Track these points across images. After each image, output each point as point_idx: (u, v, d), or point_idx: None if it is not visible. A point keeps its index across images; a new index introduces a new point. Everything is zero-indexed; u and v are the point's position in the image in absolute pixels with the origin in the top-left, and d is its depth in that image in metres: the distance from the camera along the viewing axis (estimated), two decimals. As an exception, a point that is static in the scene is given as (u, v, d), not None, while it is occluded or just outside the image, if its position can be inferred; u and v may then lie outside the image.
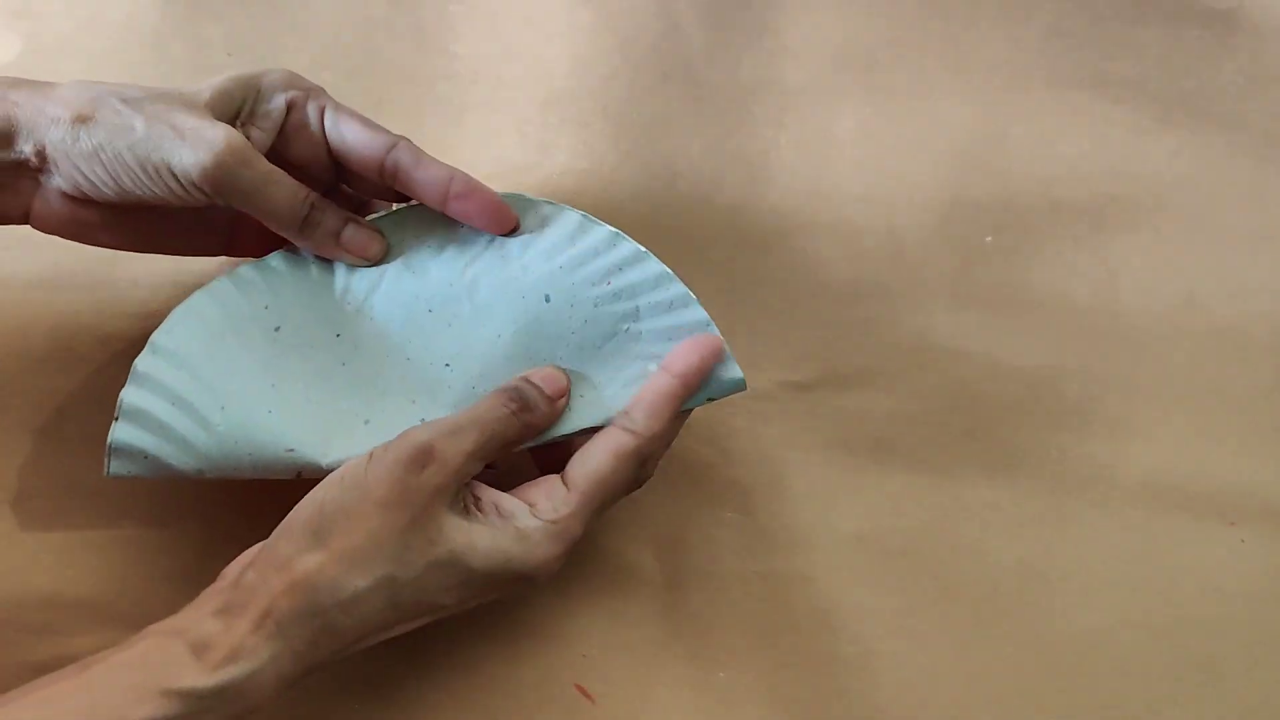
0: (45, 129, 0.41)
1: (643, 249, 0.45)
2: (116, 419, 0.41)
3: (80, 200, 0.42)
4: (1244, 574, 0.45)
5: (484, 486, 0.40)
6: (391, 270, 0.46)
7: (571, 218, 0.45)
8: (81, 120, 0.41)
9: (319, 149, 0.45)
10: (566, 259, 0.45)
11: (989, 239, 0.55)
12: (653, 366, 0.43)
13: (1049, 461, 0.48)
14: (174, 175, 0.41)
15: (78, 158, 0.41)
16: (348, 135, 0.44)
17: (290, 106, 0.44)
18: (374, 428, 0.42)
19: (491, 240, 0.45)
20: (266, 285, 0.45)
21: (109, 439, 0.41)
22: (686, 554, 0.45)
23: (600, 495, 0.40)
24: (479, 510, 0.39)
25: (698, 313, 0.44)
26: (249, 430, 0.42)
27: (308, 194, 0.44)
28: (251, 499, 0.47)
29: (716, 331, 0.44)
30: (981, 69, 0.61)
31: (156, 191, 0.41)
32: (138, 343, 0.51)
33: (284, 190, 0.43)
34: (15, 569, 0.44)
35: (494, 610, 0.44)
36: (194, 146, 0.40)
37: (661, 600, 0.44)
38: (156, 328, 0.47)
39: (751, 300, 0.53)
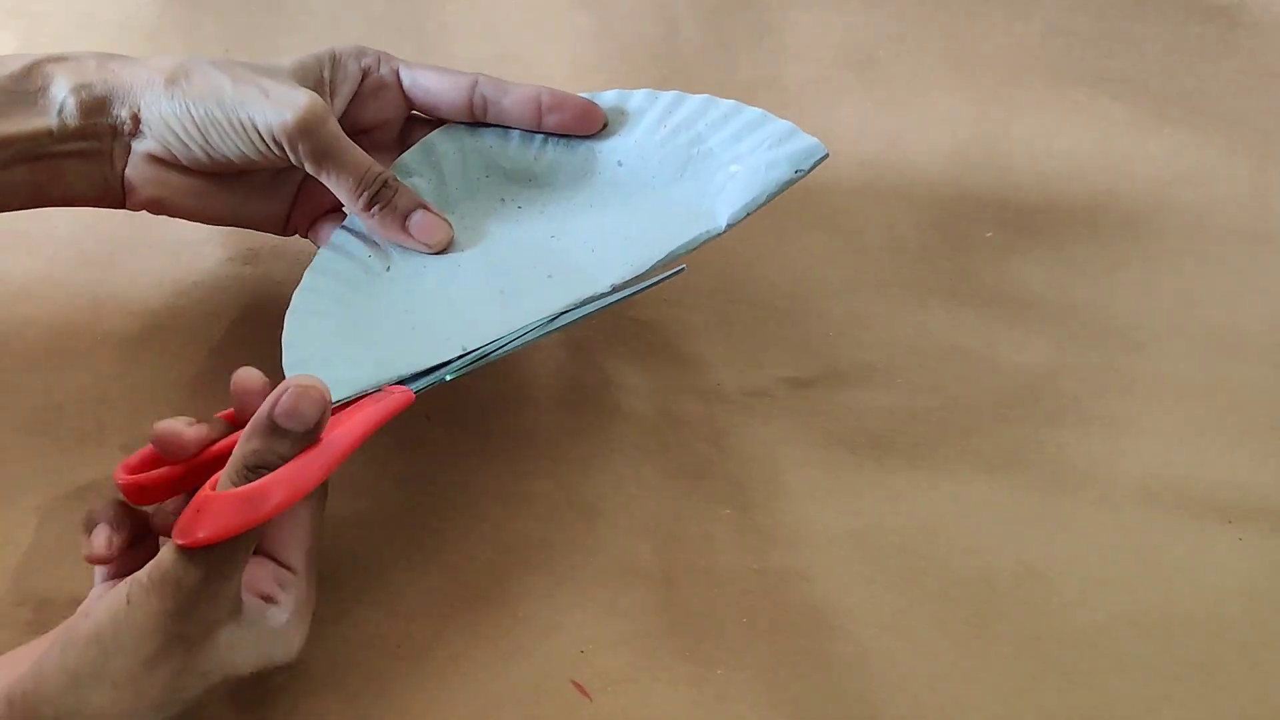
0: (140, 92, 0.43)
1: (676, 92, 0.48)
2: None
3: (167, 164, 0.45)
4: (1242, 572, 0.45)
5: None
6: (464, 184, 0.49)
7: (607, 96, 0.49)
8: (173, 81, 0.43)
9: (393, 107, 0.48)
10: (621, 125, 0.48)
11: (989, 235, 0.55)
12: (735, 168, 0.46)
13: (1047, 459, 0.48)
14: (258, 131, 0.43)
15: (170, 117, 0.43)
16: (429, 85, 0.47)
17: (365, 73, 0.47)
18: (508, 295, 0.45)
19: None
20: (360, 238, 0.47)
21: None
22: (684, 551, 0.45)
23: (314, 562, 0.40)
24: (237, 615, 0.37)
25: (753, 111, 0.47)
26: (409, 347, 0.43)
27: (382, 171, 0.45)
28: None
29: (779, 122, 0.46)
30: (981, 65, 0.61)
31: (241, 148, 0.43)
32: (134, 341, 0.51)
33: (359, 157, 0.44)
34: (9, 568, 0.44)
35: (491, 607, 0.44)
36: (277, 106, 0.42)
37: (659, 597, 0.44)
38: (152, 325, 0.48)
39: (750, 297, 0.53)
